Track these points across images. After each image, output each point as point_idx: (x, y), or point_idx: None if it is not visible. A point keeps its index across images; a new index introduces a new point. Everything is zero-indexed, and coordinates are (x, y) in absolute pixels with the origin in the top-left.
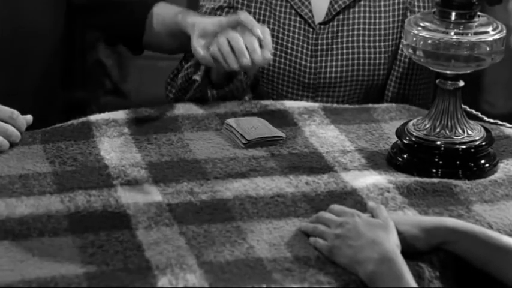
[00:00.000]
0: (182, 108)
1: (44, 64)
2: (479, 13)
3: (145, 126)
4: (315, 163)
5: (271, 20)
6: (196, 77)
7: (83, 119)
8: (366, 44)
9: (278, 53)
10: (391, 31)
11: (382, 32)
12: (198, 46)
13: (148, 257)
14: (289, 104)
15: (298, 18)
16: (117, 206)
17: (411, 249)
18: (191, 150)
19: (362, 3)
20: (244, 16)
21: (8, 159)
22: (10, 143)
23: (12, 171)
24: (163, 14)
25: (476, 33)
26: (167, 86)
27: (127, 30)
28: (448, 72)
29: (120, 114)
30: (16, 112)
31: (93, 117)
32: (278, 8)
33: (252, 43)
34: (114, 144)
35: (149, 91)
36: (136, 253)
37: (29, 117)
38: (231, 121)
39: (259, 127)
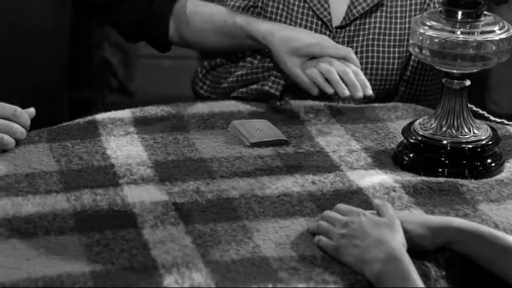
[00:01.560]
0: (188, 107)
1: (47, 63)
2: (485, 12)
3: (151, 125)
4: (321, 162)
5: (288, 21)
6: (276, 92)
7: (89, 117)
8: (381, 49)
9: None
10: (406, 37)
11: (397, 38)
12: (301, 72)
13: (154, 256)
14: (295, 103)
15: (315, 20)
16: (123, 204)
17: (417, 248)
18: (197, 149)
19: (380, 8)
20: (351, 55)
21: (15, 158)
22: (16, 140)
23: (19, 170)
24: (210, 13)
25: (482, 33)
26: (198, 82)
27: (146, 29)
28: (455, 71)
29: (126, 113)
30: (19, 109)
31: (99, 116)
32: (296, 9)
33: (363, 79)
34: (120, 143)
35: (155, 90)
36: (142, 252)
37: (31, 110)
38: (236, 123)
39: (263, 129)
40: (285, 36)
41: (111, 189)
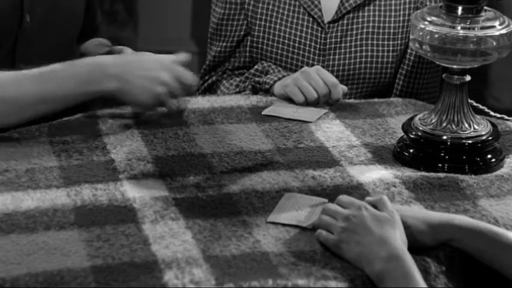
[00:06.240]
0: (188, 102)
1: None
2: (486, 7)
3: (151, 120)
4: (321, 157)
5: (278, 21)
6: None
7: (90, 112)
8: (375, 42)
9: (285, 53)
10: (400, 30)
11: (392, 31)
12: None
13: (154, 251)
14: None
15: (306, 17)
16: (123, 200)
17: (417, 244)
18: (197, 144)
19: (373, 2)
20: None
21: (15, 153)
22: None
23: (19, 164)
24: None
25: (482, 28)
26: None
27: None
28: (455, 66)
29: (126, 108)
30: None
31: (100, 111)
32: (287, 7)
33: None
34: (120, 138)
35: None
36: (143, 247)
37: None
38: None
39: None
40: None
41: (111, 184)
